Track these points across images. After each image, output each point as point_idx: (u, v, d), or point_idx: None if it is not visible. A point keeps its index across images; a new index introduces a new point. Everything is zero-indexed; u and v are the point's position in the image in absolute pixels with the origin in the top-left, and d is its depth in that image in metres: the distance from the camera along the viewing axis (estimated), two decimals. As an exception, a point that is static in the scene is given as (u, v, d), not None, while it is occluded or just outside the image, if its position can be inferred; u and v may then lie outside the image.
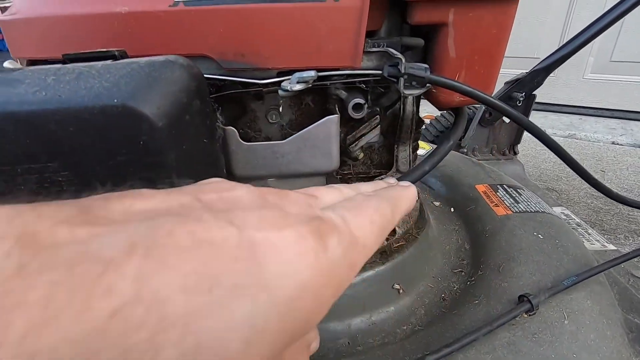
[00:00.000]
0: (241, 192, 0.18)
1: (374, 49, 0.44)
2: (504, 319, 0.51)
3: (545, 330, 0.52)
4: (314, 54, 0.42)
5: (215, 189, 0.17)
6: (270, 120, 0.55)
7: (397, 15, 0.47)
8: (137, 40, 0.40)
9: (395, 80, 0.41)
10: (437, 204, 0.96)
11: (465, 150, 1.29)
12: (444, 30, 0.44)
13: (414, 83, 0.41)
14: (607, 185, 1.64)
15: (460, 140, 1.34)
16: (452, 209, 0.92)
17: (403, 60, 0.39)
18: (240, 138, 0.46)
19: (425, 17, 0.43)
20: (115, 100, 0.31)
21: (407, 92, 0.41)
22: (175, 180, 0.33)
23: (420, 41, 0.46)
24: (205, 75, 0.43)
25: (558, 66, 1.17)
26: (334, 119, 0.43)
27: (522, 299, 0.55)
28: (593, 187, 0.67)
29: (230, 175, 0.47)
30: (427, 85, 0.42)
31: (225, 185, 0.18)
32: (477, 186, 0.92)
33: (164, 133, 0.32)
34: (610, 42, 2.26)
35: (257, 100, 0.54)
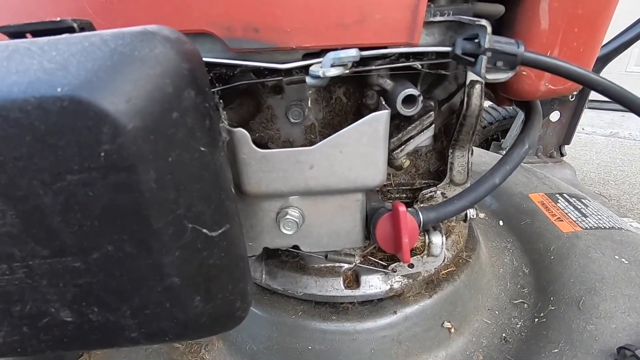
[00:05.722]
0: None
1: (438, 19, 0.31)
2: (605, 383, 0.38)
3: (662, 399, 0.39)
4: (354, 26, 0.30)
5: None
6: (292, 120, 0.43)
7: (463, -26, 0.35)
8: (111, 10, 0.29)
9: (472, 60, 0.29)
10: (481, 215, 0.83)
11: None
12: (534, -9, 0.32)
13: (499, 64, 0.29)
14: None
15: (499, 140, 1.19)
16: (501, 222, 0.78)
17: (488, 29, 0.27)
18: (254, 143, 0.34)
19: (511, -28, 0.31)
20: (60, 90, 0.20)
21: (489, 77, 0.29)
22: (156, 219, 0.22)
23: (499, 8, 0.33)
24: (206, 60, 0.32)
25: (617, 54, 1.02)
26: (382, 116, 0.31)
27: (623, 352, 0.42)
28: None
29: (240, 192, 0.35)
30: (516, 67, 0.30)
31: None
32: (530, 195, 0.78)
33: (137, 139, 0.21)
34: (657, 31, 2.06)
35: (275, 93, 0.43)
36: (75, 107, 0.20)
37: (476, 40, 0.29)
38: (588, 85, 0.30)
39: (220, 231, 0.27)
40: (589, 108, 2.33)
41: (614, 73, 2.23)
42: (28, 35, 0.26)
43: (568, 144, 1.14)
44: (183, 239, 0.25)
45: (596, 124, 2.11)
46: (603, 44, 1.04)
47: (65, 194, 0.22)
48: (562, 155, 1.18)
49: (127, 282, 0.25)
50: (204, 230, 0.25)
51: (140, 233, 0.24)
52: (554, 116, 1.10)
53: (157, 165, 0.22)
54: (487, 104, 1.31)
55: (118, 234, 0.23)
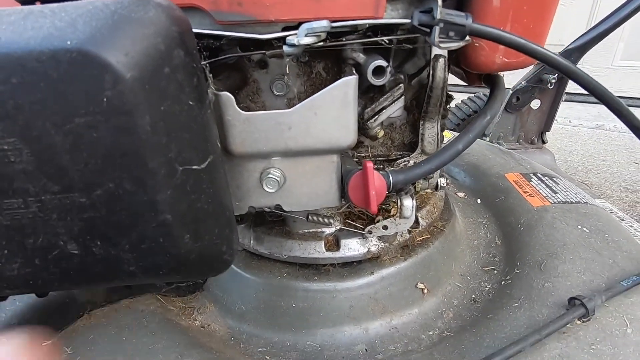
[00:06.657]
0: None
1: (401, -5, 0.36)
2: (554, 326, 0.43)
3: (604, 341, 0.43)
4: (326, 1, 0.34)
5: None
6: (276, 92, 0.48)
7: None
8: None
9: (427, 30, 0.33)
10: (461, 195, 0.87)
11: (488, 139, 1.19)
12: (486, -28, 0.36)
13: (451, 34, 0.33)
14: (645, 178, 1.50)
15: (483, 128, 1.24)
16: (479, 201, 0.83)
17: (439, 3, 0.31)
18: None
19: (464, -46, 0.35)
20: (69, 43, 0.24)
21: (442, 45, 0.33)
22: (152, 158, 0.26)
23: (456, -13, 0.37)
24: (195, 31, 0.36)
25: (594, 45, 1.06)
26: (351, 81, 0.35)
27: (573, 302, 0.46)
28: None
29: (227, 152, 0.39)
30: (466, 38, 0.34)
31: None
32: (507, 175, 0.83)
33: (134, 87, 0.25)
34: (643, 26, 2.11)
35: (260, 68, 0.47)
36: (82, 58, 0.24)
37: (432, 13, 0.33)
38: (530, 54, 0.34)
39: (207, 161, 0.31)
40: (577, 101, 2.38)
41: (600, 67, 2.28)
42: (37, 2, 0.30)
43: (548, 130, 1.19)
44: (174, 179, 0.29)
45: (583, 116, 2.16)
46: (582, 33, 1.08)
47: (73, 134, 0.26)
48: (543, 142, 1.23)
49: (126, 217, 0.29)
50: (194, 167, 0.29)
51: (137, 171, 0.28)
52: (535, 104, 1.15)
53: (151, 112, 0.26)
54: (468, 95, 1.36)
55: (119, 172, 0.27)
